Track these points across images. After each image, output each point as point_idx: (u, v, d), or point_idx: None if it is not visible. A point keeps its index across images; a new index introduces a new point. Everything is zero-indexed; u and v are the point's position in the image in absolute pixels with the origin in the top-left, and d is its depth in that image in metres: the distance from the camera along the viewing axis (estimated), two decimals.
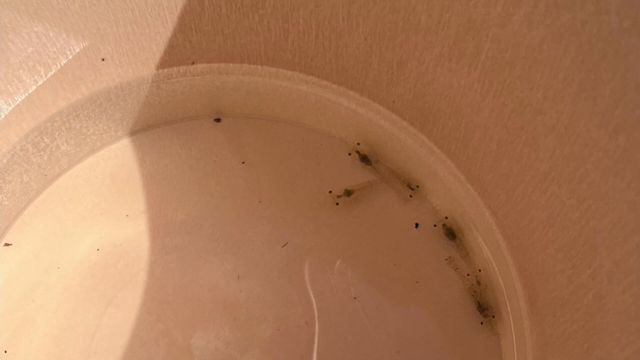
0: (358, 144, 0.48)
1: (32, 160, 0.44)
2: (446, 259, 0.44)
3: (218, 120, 0.49)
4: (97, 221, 0.45)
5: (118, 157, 0.47)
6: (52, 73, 0.41)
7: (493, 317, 0.42)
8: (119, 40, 0.42)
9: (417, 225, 0.45)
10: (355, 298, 0.43)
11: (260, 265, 0.44)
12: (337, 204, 0.46)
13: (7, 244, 0.44)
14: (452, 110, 0.41)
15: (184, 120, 0.49)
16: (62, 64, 0.41)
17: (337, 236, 0.45)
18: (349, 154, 0.48)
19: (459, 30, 0.36)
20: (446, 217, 0.45)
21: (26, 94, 0.41)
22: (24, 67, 0.40)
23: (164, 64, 0.45)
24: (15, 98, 0.41)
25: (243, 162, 0.47)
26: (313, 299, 0.43)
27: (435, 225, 0.45)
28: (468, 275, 0.44)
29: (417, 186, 0.46)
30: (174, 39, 0.43)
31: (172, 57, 0.45)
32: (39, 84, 0.41)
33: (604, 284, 0.30)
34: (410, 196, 0.46)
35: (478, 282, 0.43)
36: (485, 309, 0.42)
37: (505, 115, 0.36)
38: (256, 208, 0.46)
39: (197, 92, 0.47)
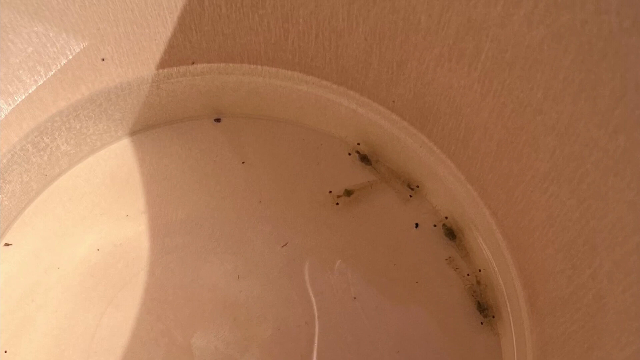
0: (358, 144, 0.48)
1: (32, 160, 0.44)
2: (446, 259, 0.44)
3: (218, 120, 0.49)
4: (97, 221, 0.45)
5: (118, 157, 0.47)
6: (52, 73, 0.41)
7: (493, 317, 0.42)
8: (119, 40, 0.42)
9: (417, 225, 0.45)
10: (355, 298, 0.43)
11: (260, 265, 0.44)
12: (337, 204, 0.46)
13: (7, 244, 0.44)
14: (452, 110, 0.41)
15: (184, 120, 0.49)
16: (62, 64, 0.41)
17: (337, 236, 0.45)
18: (349, 154, 0.48)
19: (459, 30, 0.36)
20: (446, 217, 0.45)
21: (26, 94, 0.41)
22: (24, 67, 0.40)
23: (164, 64, 0.45)
24: (15, 98, 0.41)
25: (243, 162, 0.47)
26: (313, 299, 0.43)
27: (435, 225, 0.45)
28: (468, 275, 0.44)
29: (417, 186, 0.46)
30: (174, 39, 0.43)
31: (172, 57, 0.45)
32: (39, 84, 0.41)
33: (604, 284, 0.30)
34: (410, 196, 0.46)
35: (478, 282, 0.43)
36: (485, 309, 0.42)
37: (505, 115, 0.36)
38: (256, 208, 0.46)
39: (197, 92, 0.47)
